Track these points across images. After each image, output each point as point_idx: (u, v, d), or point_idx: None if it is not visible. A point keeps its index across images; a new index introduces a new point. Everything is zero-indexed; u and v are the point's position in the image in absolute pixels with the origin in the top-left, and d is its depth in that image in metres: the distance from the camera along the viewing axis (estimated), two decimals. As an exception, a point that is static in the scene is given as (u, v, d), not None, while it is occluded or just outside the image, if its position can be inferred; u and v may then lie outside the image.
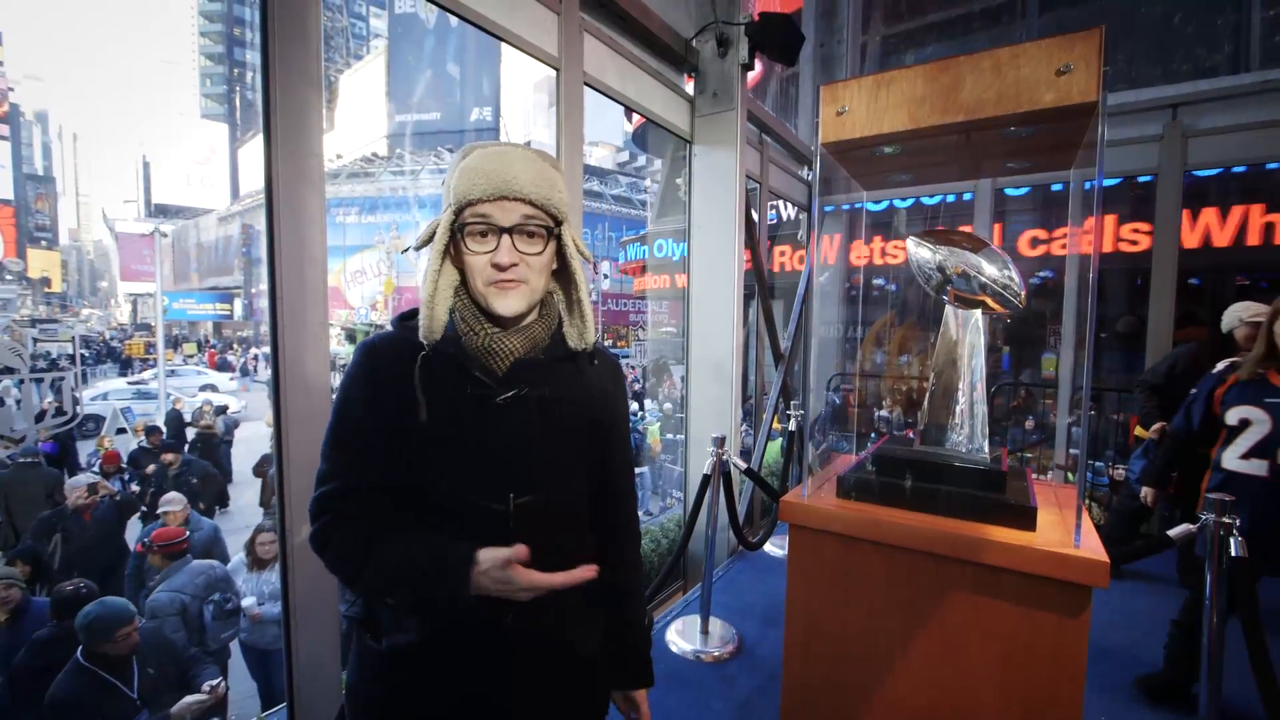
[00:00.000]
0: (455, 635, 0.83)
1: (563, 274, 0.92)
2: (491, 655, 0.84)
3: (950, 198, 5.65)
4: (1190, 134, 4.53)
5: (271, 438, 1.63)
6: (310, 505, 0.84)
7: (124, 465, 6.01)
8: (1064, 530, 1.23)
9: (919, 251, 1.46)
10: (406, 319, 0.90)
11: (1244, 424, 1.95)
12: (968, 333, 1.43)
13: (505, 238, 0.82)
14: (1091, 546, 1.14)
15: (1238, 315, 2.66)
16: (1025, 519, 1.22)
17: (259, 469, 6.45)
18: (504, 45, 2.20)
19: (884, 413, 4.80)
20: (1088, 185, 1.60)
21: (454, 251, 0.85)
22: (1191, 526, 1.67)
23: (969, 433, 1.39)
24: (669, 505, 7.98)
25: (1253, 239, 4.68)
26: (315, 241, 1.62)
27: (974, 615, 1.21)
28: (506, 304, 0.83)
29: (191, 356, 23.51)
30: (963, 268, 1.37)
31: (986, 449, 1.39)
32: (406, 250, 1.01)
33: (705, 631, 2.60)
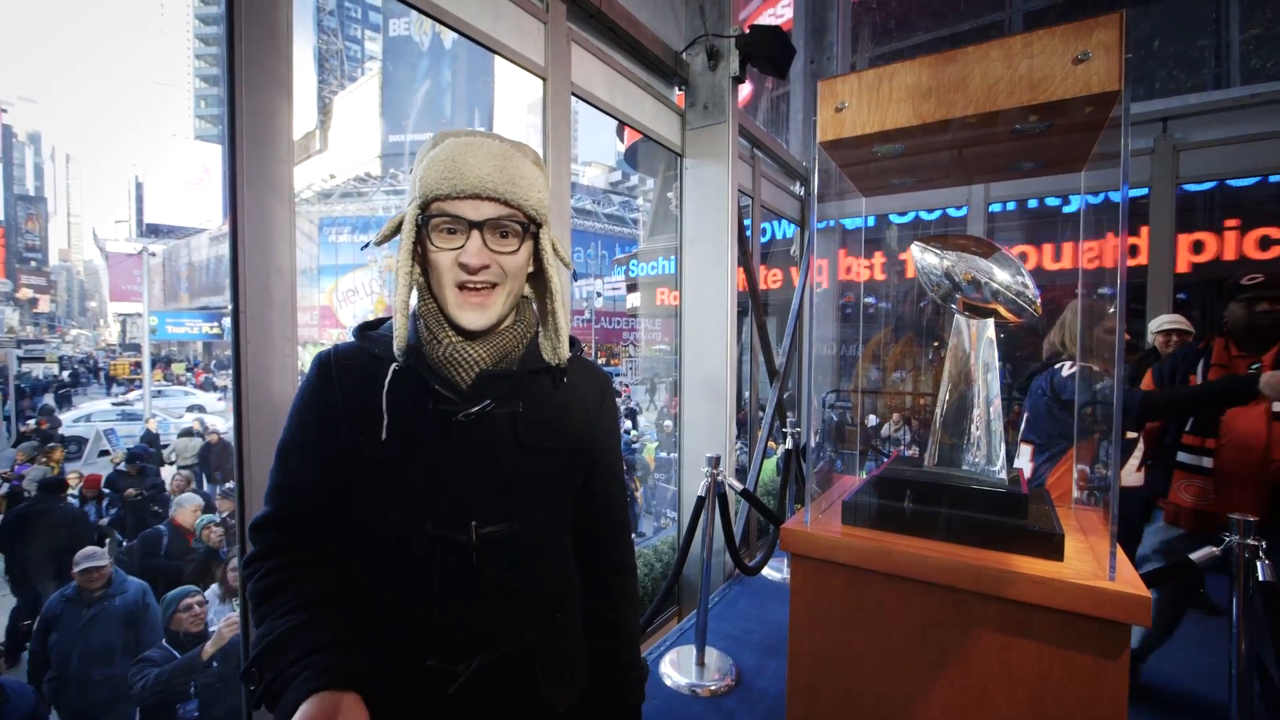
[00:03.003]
0: (403, 687, 0.72)
1: (538, 280, 0.83)
2: (449, 712, 0.72)
3: (937, 213, 5.65)
4: (1181, 147, 4.53)
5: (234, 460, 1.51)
6: (251, 521, 0.77)
7: (104, 490, 5.84)
8: (1094, 559, 1.12)
9: (925, 257, 1.37)
10: (369, 328, 0.82)
11: None
12: (981, 346, 1.33)
13: (475, 234, 0.72)
14: (1128, 579, 1.03)
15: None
16: (1052, 547, 1.11)
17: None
18: (497, 67, 2.15)
19: (889, 431, 4.70)
20: (1106, 197, 1.52)
21: (420, 249, 0.76)
22: (1215, 550, 1.58)
23: (987, 453, 1.28)
24: (663, 526, 7.82)
25: (1236, 253, 4.66)
26: (283, 253, 1.52)
27: (999, 656, 1.09)
28: (472, 317, 0.74)
29: (180, 377, 23.26)
30: (973, 274, 1.28)
31: (1005, 472, 1.29)
32: (366, 245, 0.92)
33: (701, 663, 2.46)
